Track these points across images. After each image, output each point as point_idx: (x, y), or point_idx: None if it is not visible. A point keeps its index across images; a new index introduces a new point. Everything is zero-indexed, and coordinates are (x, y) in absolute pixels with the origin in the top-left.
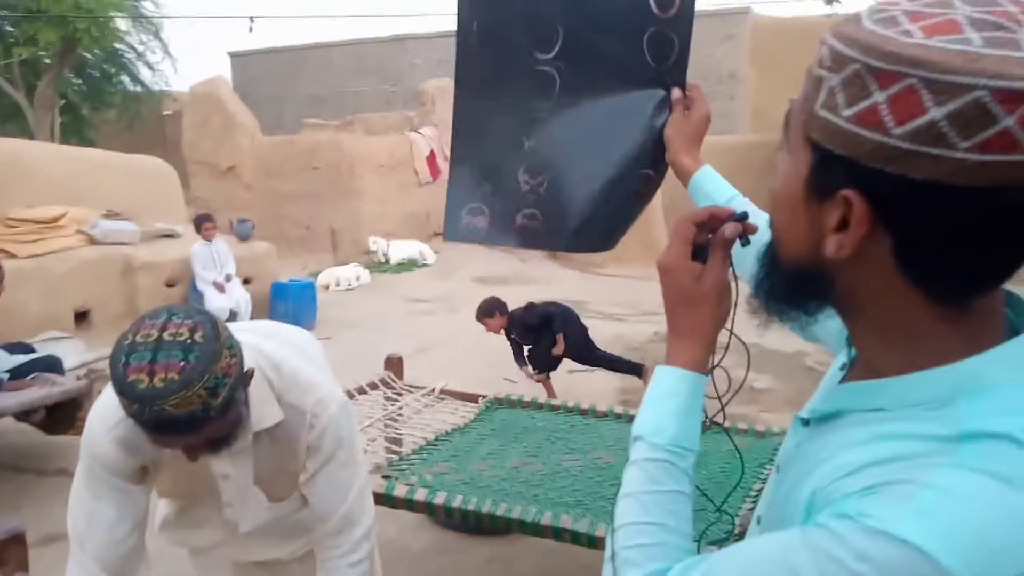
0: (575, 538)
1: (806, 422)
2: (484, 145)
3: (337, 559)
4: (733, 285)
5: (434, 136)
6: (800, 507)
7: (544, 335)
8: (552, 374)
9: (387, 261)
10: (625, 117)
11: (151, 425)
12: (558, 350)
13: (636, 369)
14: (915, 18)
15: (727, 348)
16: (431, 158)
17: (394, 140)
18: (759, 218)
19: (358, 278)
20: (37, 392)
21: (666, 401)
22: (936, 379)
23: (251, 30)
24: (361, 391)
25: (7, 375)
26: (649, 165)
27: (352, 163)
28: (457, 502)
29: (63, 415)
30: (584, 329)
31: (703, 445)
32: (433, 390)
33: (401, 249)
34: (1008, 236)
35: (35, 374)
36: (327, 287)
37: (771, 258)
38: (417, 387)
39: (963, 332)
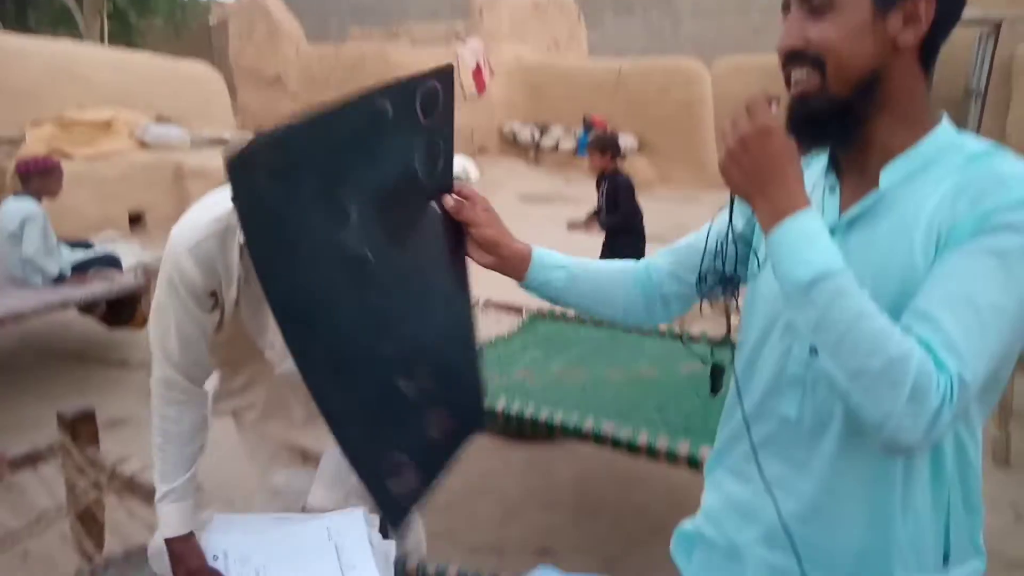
0: (616, 444)
1: (852, 223)
2: (348, 384)
3: None
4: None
5: (480, 49)
6: (916, 254)
7: (615, 226)
8: None
9: None
10: (436, 257)
11: None
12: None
13: None
14: None
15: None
16: (477, 71)
17: (440, 53)
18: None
19: None
20: (99, 285)
21: (822, 236)
22: (939, 137)
23: None
24: None
25: (70, 269)
26: (467, 287)
27: (398, 75)
28: (500, 406)
29: (123, 309)
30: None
31: None
32: (478, 302)
33: None
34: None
35: (95, 268)
36: None
37: (819, 103)
38: None
39: (931, 107)
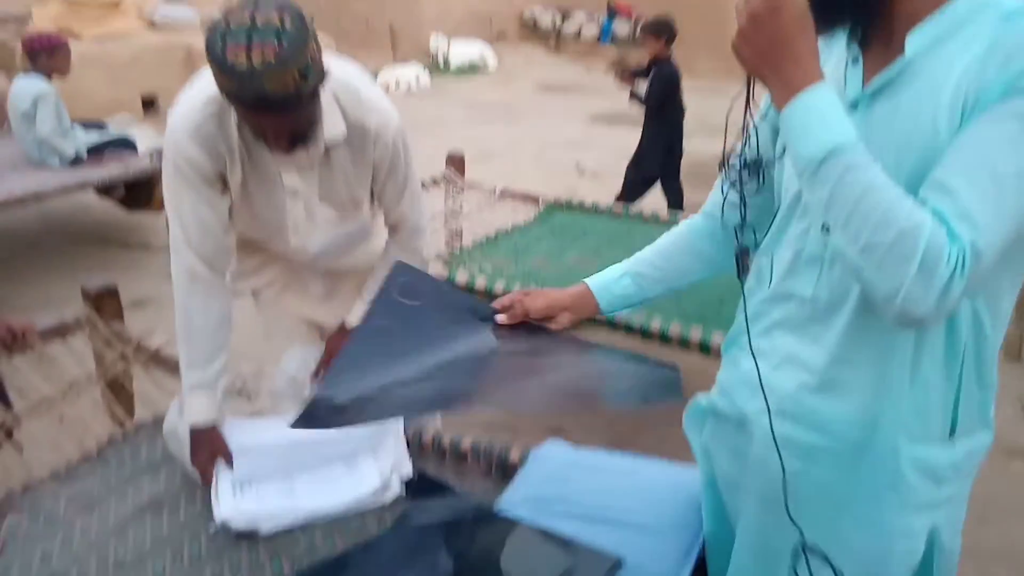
0: (629, 330)
1: (876, 94)
2: None
3: (402, 242)
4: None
5: None
6: (940, 121)
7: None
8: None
9: (447, 65)
10: (542, 348)
11: (249, 102)
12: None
13: None
14: None
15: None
16: None
17: None
18: None
19: (418, 79)
20: (116, 167)
21: (834, 111)
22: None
23: None
24: (423, 185)
25: (86, 151)
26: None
27: None
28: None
29: (140, 192)
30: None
31: None
32: (494, 190)
33: (462, 51)
34: None
35: (111, 150)
36: (387, 88)
37: None
38: (478, 185)
39: None
